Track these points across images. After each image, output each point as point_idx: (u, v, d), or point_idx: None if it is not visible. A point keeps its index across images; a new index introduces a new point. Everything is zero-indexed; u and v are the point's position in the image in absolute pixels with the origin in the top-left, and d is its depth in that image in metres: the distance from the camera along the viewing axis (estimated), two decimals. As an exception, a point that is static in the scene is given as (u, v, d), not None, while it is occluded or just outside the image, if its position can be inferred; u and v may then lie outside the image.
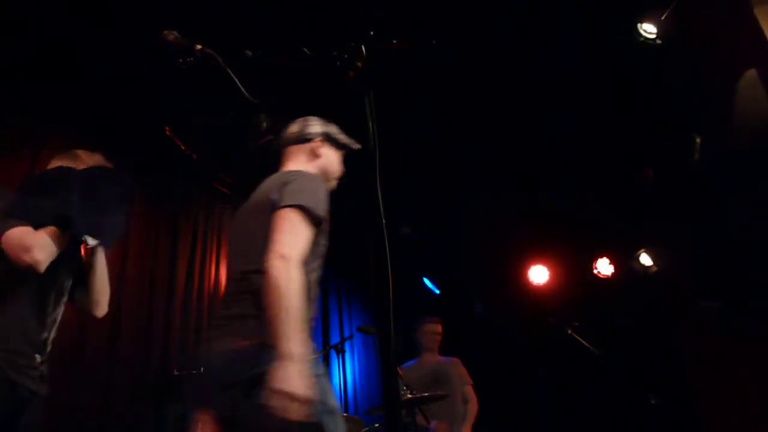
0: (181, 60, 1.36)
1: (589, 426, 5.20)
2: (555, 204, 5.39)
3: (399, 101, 3.95)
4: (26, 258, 1.83)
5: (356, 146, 2.13)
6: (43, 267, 1.86)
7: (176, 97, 4.06)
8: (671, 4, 3.58)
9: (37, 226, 1.90)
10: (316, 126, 2.14)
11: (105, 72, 3.85)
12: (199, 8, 3.42)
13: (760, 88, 3.10)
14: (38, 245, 1.85)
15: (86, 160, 2.25)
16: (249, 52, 1.32)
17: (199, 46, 1.37)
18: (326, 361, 5.36)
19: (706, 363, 4.75)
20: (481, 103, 4.63)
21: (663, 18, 3.62)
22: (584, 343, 3.65)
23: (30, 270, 1.85)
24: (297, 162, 2.08)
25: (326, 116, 2.24)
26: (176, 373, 3.73)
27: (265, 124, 4.21)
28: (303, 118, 2.17)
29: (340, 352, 4.53)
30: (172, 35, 1.37)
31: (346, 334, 5.68)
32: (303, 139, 2.11)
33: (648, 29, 3.71)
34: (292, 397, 1.45)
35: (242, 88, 1.34)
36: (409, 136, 4.63)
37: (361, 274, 6.11)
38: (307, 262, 1.73)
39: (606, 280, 5.68)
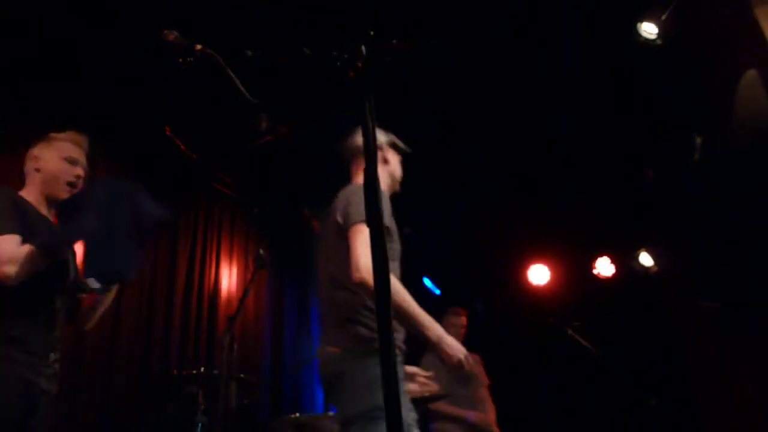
0: (181, 60, 1.36)
1: (589, 426, 5.19)
2: (555, 204, 5.39)
3: (399, 101, 3.95)
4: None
5: (409, 150, 2.47)
6: (12, 282, 1.84)
7: (176, 97, 4.06)
8: (671, 4, 3.58)
9: (24, 241, 1.90)
10: (381, 135, 2.30)
11: (105, 72, 3.85)
12: (199, 8, 3.42)
13: (760, 88, 3.11)
14: (11, 260, 1.83)
15: (60, 141, 2.22)
16: (249, 52, 1.32)
17: (199, 46, 1.37)
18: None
19: (706, 363, 4.75)
20: (481, 103, 4.63)
21: (663, 18, 3.62)
22: (584, 343, 3.64)
23: (2, 282, 1.84)
24: None
25: (326, 116, 2.26)
26: (176, 373, 3.73)
27: (265, 124, 4.21)
28: None
29: (340, 352, 4.52)
30: (172, 35, 1.37)
31: (346, 334, 5.66)
32: None
33: (648, 29, 3.71)
34: (459, 355, 1.93)
35: (242, 88, 1.34)
36: (409, 136, 4.63)
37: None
38: None
39: (606, 280, 5.68)
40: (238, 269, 5.18)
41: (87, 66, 3.77)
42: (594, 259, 5.71)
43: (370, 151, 1.11)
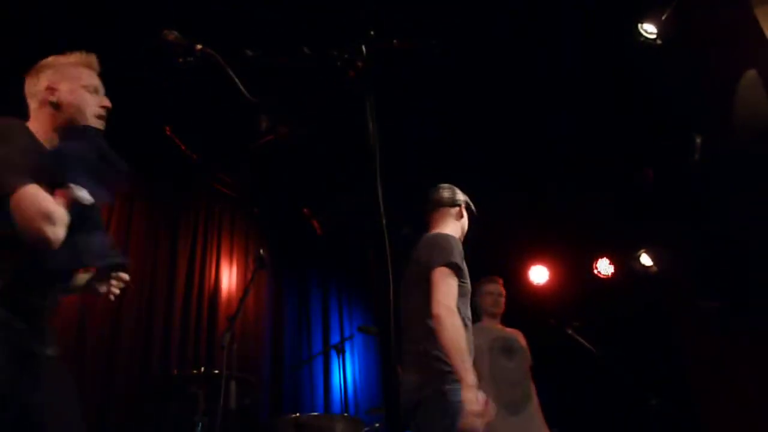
0: (181, 60, 1.36)
1: (589, 426, 5.19)
2: (555, 204, 5.39)
3: (399, 101, 3.95)
4: (47, 230, 1.44)
5: (476, 214, 2.88)
6: (57, 246, 1.49)
7: (176, 97, 4.06)
8: (671, 4, 3.58)
9: (53, 186, 1.52)
10: (460, 194, 2.81)
11: (105, 72, 3.84)
12: (199, 8, 3.42)
13: (760, 88, 3.11)
14: (60, 216, 1.47)
15: (73, 67, 1.88)
16: (249, 52, 1.32)
17: (199, 46, 1.37)
18: (326, 361, 5.36)
19: (706, 363, 4.75)
20: (481, 103, 4.63)
21: (663, 18, 3.62)
22: (584, 343, 3.64)
23: (40, 246, 1.46)
24: (446, 222, 2.73)
25: (326, 116, 2.28)
26: (176, 373, 3.73)
27: (265, 124, 4.21)
28: (449, 186, 2.84)
29: (340, 352, 4.52)
30: (172, 35, 1.37)
31: (346, 334, 5.67)
32: (453, 203, 2.76)
33: (648, 29, 3.71)
34: (471, 412, 2.07)
35: (242, 88, 1.34)
36: (410, 136, 4.63)
37: (361, 274, 6.11)
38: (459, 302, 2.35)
39: (606, 280, 5.68)
40: (238, 269, 5.18)
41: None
42: (594, 259, 5.71)
43: (371, 152, 1.10)
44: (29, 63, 1.92)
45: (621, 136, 4.78)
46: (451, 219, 2.77)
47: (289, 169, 5.04)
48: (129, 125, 4.27)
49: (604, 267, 5.69)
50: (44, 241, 1.44)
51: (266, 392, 4.79)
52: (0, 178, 1.47)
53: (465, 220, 2.81)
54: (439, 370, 2.25)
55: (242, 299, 3.48)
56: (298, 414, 3.65)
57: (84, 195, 1.54)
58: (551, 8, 3.85)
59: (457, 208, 2.77)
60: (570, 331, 3.57)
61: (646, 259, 5.15)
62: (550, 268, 6.13)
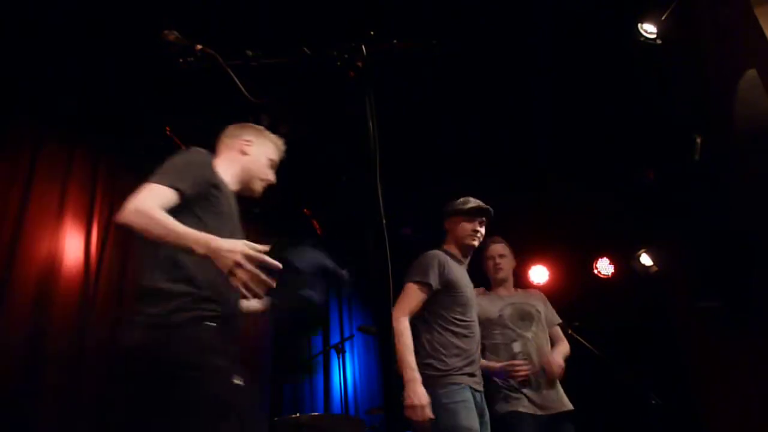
0: (181, 60, 1.36)
1: (589, 426, 5.19)
2: (555, 204, 5.39)
3: (399, 101, 3.95)
4: (131, 217, 1.69)
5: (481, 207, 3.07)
6: (131, 229, 1.74)
7: (176, 97, 4.05)
8: (671, 4, 3.58)
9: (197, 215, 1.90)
10: (452, 204, 3.09)
11: (105, 72, 3.85)
12: (199, 8, 3.42)
13: (760, 88, 3.10)
14: (141, 210, 1.71)
15: (271, 141, 2.34)
16: (249, 52, 1.32)
17: (199, 46, 1.37)
18: (326, 361, 5.36)
19: (706, 363, 4.75)
20: (481, 103, 4.63)
21: (663, 18, 3.62)
22: (584, 343, 3.64)
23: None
24: (447, 235, 3.08)
25: (326, 116, 2.29)
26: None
27: (265, 124, 4.20)
28: (459, 199, 3.05)
29: (340, 352, 4.52)
30: (172, 35, 1.38)
31: (346, 334, 5.68)
32: (444, 216, 3.11)
33: (648, 29, 3.71)
34: (407, 404, 2.34)
35: (243, 88, 1.34)
36: (409, 136, 4.63)
37: (361, 274, 6.10)
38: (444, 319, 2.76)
39: (606, 280, 5.68)
40: (238, 269, 5.17)
41: (87, 66, 3.77)
42: (594, 259, 5.71)
43: (371, 152, 1.10)
44: (29, 63, 1.94)
45: (621, 136, 4.78)
46: (450, 233, 3.04)
47: (289, 169, 5.03)
48: (129, 125, 4.28)
49: (604, 267, 5.70)
50: (126, 226, 1.69)
51: (266, 392, 4.79)
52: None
53: (461, 227, 2.97)
54: (427, 376, 2.53)
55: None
56: (298, 414, 3.66)
57: (253, 305, 2.03)
58: (551, 8, 3.86)
59: (447, 220, 3.05)
60: (570, 331, 3.57)
61: (646, 259, 5.15)
62: (550, 268, 6.13)
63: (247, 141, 2.21)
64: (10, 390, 3.21)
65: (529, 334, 3.15)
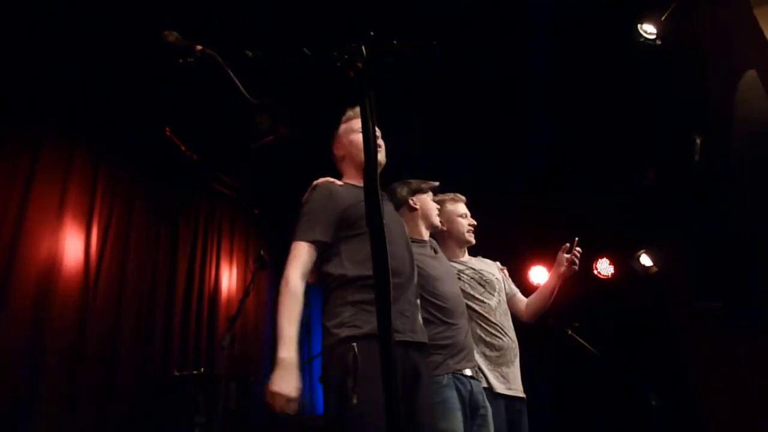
0: (181, 60, 1.36)
1: (589, 426, 5.19)
2: (555, 204, 5.39)
3: (399, 101, 3.95)
4: (282, 282, 1.87)
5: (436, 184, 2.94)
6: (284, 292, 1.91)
7: (176, 97, 4.06)
8: (671, 4, 3.58)
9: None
10: (406, 188, 2.79)
11: (106, 72, 3.85)
12: (199, 8, 3.43)
13: (760, 88, 3.10)
14: (291, 284, 1.88)
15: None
16: (249, 52, 1.32)
17: (199, 47, 1.36)
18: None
19: (706, 363, 4.74)
20: (480, 104, 4.63)
21: (663, 18, 3.62)
22: (584, 343, 3.64)
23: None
24: (408, 224, 2.55)
25: (326, 116, 2.29)
26: (176, 373, 3.73)
27: (265, 124, 4.21)
28: (399, 183, 2.76)
29: (340, 352, 4.51)
30: (172, 36, 1.37)
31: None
32: (398, 203, 2.70)
33: (648, 29, 3.71)
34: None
35: (242, 88, 1.34)
36: (409, 136, 4.63)
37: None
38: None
39: (606, 281, 5.67)
40: (238, 270, 5.18)
41: (87, 66, 3.77)
42: (594, 259, 5.71)
43: (370, 152, 1.10)
44: (30, 64, 1.94)
45: (621, 136, 4.78)
46: (410, 218, 2.60)
47: (289, 169, 5.04)
48: (129, 126, 4.28)
49: (604, 267, 5.69)
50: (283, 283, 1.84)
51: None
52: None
53: (425, 207, 2.65)
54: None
55: (243, 300, 3.48)
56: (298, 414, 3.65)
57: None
58: (551, 8, 3.86)
59: (404, 206, 2.64)
60: (570, 332, 3.57)
61: (646, 259, 5.15)
62: (550, 268, 6.12)
63: (346, 123, 2.24)
64: (10, 390, 3.21)
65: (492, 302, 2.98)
